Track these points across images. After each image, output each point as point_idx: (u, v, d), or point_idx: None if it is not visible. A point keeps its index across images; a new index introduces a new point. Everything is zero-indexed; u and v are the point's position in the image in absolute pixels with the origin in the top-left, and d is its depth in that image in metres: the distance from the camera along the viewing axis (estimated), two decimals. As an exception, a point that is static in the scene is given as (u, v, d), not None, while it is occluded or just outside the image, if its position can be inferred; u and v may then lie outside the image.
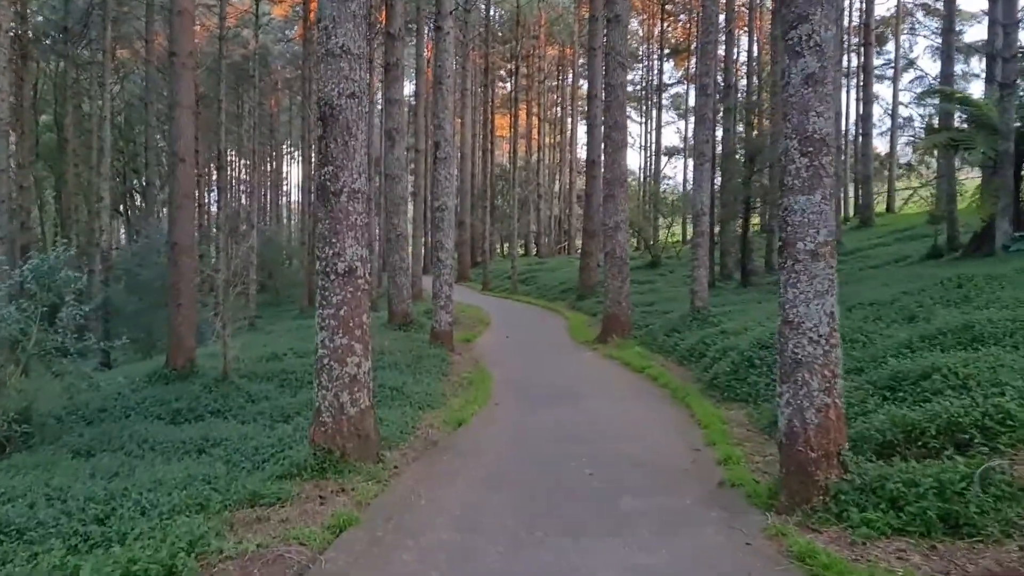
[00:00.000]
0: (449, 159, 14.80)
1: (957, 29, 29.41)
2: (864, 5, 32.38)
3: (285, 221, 62.07)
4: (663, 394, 10.27)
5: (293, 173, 68.33)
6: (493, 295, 29.96)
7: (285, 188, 68.60)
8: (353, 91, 6.32)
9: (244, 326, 27.95)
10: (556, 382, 11.42)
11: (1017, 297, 8.92)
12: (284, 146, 63.34)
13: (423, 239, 34.33)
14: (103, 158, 23.84)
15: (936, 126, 20.92)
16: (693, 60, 49.18)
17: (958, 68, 29.20)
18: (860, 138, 32.20)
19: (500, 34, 46.66)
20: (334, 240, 6.34)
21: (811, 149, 4.79)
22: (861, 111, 32.76)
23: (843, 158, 35.46)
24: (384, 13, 18.73)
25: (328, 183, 6.34)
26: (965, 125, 17.65)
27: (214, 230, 27.87)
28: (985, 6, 17.89)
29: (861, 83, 32.90)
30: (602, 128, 19.28)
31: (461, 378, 11.78)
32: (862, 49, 32.79)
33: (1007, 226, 14.39)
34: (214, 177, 40.20)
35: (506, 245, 52.09)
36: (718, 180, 22.48)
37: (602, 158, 20.42)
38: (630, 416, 8.80)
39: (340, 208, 6.32)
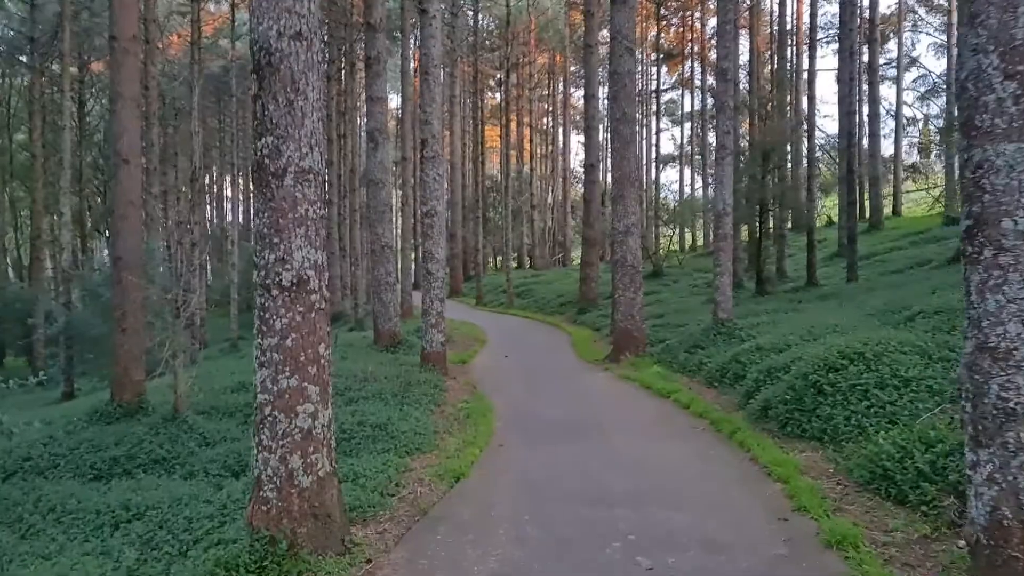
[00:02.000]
0: (438, 158, 13.01)
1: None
2: (868, 1, 30.92)
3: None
4: (702, 427, 8.46)
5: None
6: (487, 310, 28.13)
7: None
8: (299, 30, 4.46)
9: (224, 348, 26.26)
10: (570, 412, 9.60)
11: None
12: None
13: (412, 253, 32.69)
14: (63, 171, 21.98)
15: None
16: (687, 65, 47.98)
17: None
18: (868, 138, 30.69)
19: (488, 42, 45.13)
20: (276, 240, 4.45)
21: (1023, 68, 2.99)
22: (868, 110, 31.32)
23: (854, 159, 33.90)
24: (363, 1, 16.98)
25: (267, 160, 4.45)
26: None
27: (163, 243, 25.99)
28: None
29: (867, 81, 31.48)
30: (605, 123, 17.68)
31: (456, 409, 9.95)
32: (867, 47, 31.38)
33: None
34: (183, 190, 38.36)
35: (498, 258, 50.37)
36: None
37: (603, 160, 18.81)
38: (672, 462, 6.95)
39: (284, 195, 4.45)
